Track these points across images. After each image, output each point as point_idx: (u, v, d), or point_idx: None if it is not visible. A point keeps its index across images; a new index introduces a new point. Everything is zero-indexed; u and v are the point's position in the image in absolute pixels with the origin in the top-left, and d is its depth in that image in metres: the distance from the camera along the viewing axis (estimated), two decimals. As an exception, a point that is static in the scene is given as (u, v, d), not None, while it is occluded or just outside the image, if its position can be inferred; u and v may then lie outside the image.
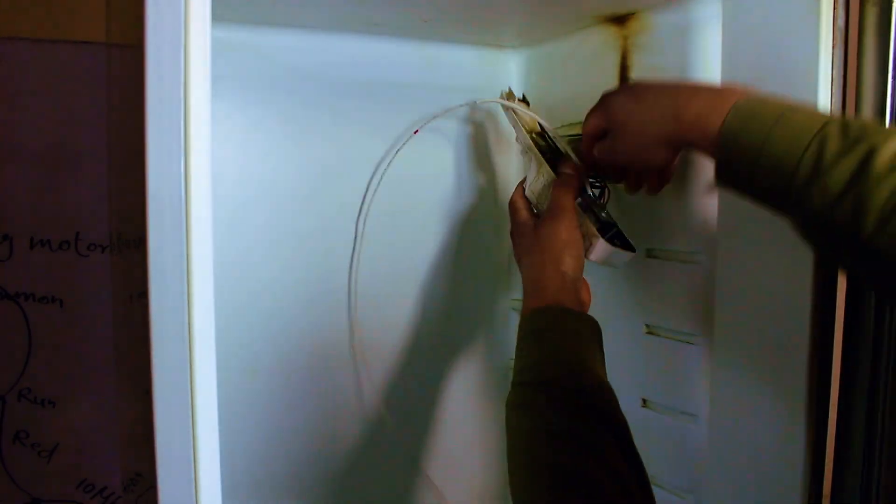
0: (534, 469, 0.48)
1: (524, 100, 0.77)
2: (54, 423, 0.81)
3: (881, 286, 0.46)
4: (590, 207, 0.68)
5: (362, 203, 0.83)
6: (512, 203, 0.70)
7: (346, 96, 0.82)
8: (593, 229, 0.65)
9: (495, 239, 0.92)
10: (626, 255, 0.66)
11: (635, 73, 0.74)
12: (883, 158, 0.41)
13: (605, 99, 0.62)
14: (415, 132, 0.83)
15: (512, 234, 0.69)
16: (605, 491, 0.44)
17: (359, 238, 0.83)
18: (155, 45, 0.38)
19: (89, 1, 0.78)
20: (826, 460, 0.58)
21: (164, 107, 0.38)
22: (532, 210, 0.70)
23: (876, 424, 0.56)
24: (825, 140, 0.43)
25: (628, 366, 0.76)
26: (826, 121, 0.44)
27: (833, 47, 0.56)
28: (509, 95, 0.77)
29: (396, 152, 0.83)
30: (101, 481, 0.83)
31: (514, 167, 0.92)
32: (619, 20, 0.75)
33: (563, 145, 0.72)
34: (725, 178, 0.50)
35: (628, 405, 0.75)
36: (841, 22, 0.56)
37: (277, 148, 0.79)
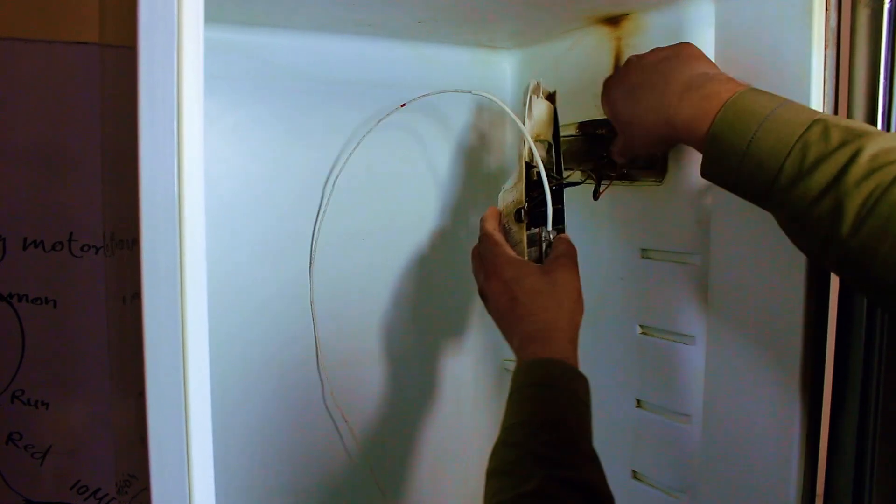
0: None
1: (552, 98, 0.71)
2: (47, 424, 0.80)
3: (859, 284, 0.47)
4: (539, 243, 0.67)
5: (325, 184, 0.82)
6: (489, 236, 0.66)
7: (339, 97, 0.82)
8: None
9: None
10: None
11: (629, 74, 0.74)
12: (860, 164, 0.43)
13: (607, 91, 0.64)
14: (401, 105, 0.80)
15: (496, 271, 0.63)
16: None
17: (316, 233, 0.82)
18: (148, 46, 0.38)
19: (83, 1, 0.78)
20: (819, 460, 0.58)
21: (157, 107, 0.38)
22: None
23: (869, 424, 0.56)
24: (807, 145, 0.45)
25: (623, 366, 0.76)
26: (810, 122, 0.46)
27: (825, 48, 0.56)
28: (536, 89, 0.71)
29: (378, 122, 0.81)
30: (95, 483, 0.83)
31: (508, 165, 0.92)
32: (613, 21, 0.75)
33: (537, 157, 0.66)
34: (711, 174, 0.52)
35: (623, 406, 0.76)
36: (833, 23, 0.56)
37: (270, 148, 0.79)
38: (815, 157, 0.44)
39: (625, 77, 0.61)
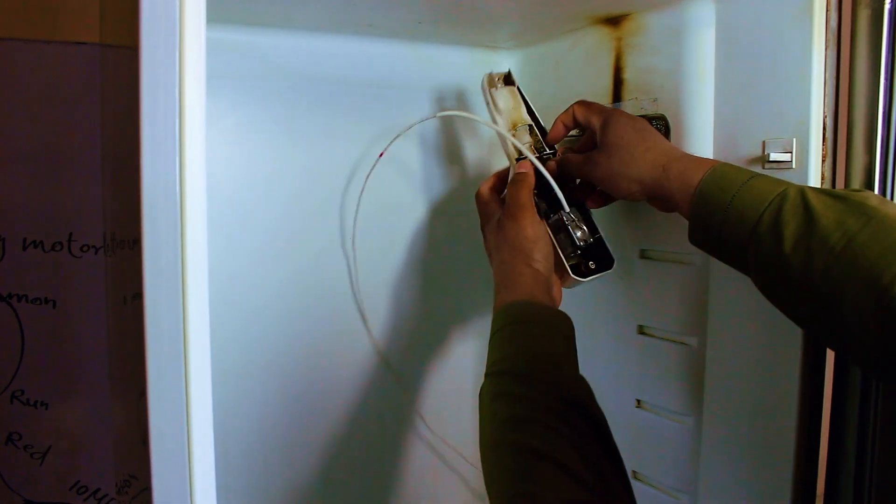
0: (503, 450, 0.48)
1: (509, 80, 0.72)
2: (47, 424, 0.80)
3: (828, 332, 0.48)
4: (564, 227, 0.66)
5: (357, 207, 0.83)
6: (478, 196, 0.70)
7: (340, 97, 0.82)
8: (564, 261, 0.65)
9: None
10: (600, 276, 0.66)
11: (629, 74, 0.74)
12: (830, 217, 0.47)
13: (610, 112, 0.64)
14: (380, 155, 0.80)
15: (482, 227, 0.69)
16: (584, 480, 0.44)
17: (353, 236, 0.83)
18: (150, 46, 0.38)
19: (83, 1, 0.78)
20: (819, 460, 0.58)
21: (159, 107, 0.38)
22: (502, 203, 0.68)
23: (869, 424, 0.56)
24: (785, 198, 0.49)
25: (622, 367, 0.76)
26: (788, 185, 0.51)
27: (826, 49, 0.56)
28: (490, 81, 0.72)
29: (366, 178, 0.81)
30: (95, 483, 0.83)
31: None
32: (614, 21, 0.75)
33: (524, 150, 0.69)
34: (698, 231, 0.55)
35: (622, 406, 0.76)
36: (833, 24, 0.56)
37: (272, 148, 0.79)
38: (792, 208, 0.48)
39: (633, 118, 0.63)
